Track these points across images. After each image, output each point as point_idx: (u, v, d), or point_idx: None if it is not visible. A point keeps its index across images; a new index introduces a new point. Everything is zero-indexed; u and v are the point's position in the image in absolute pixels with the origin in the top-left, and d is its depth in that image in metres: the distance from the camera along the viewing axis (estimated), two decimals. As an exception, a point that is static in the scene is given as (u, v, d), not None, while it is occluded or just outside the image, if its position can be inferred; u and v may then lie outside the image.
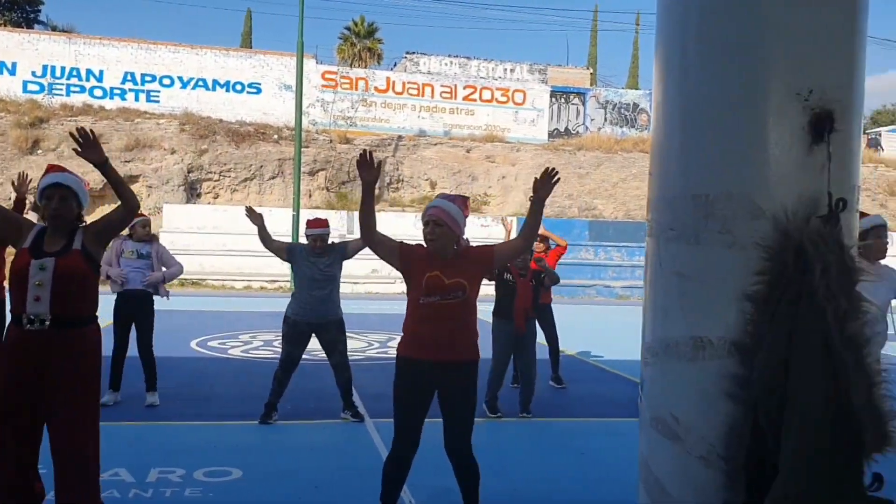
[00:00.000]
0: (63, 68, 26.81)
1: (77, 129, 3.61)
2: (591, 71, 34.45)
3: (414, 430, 4.00)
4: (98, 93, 26.83)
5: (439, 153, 27.03)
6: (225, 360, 9.67)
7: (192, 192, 23.86)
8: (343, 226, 23.05)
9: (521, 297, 6.93)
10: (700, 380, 1.79)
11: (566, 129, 32.93)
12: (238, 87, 28.44)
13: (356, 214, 20.74)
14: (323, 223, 6.56)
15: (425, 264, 3.93)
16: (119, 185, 3.80)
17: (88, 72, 26.99)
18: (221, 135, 24.82)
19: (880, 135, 40.18)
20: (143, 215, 6.91)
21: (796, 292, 1.52)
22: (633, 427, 6.79)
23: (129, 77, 27.30)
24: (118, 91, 27.06)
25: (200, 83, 28.04)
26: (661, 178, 1.85)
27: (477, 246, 4.31)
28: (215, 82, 28.18)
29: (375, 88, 29.83)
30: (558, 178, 3.87)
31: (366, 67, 33.07)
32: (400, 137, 27.69)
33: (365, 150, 3.90)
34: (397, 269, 4.03)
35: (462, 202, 4.04)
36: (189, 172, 23.89)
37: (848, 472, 1.55)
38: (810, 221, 1.61)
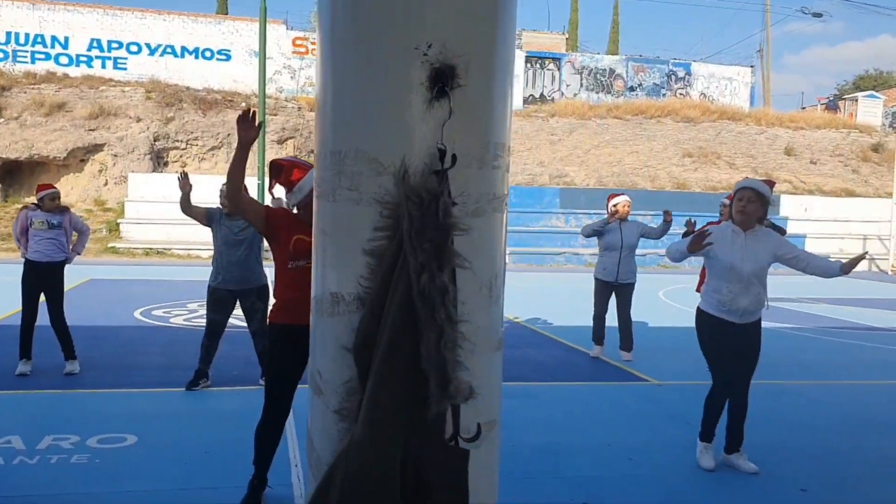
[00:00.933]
0: (27, 35, 26.41)
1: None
2: (567, 36, 34.14)
3: (286, 398, 4.01)
4: (64, 60, 26.48)
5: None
6: (164, 328, 9.65)
7: (158, 160, 23.65)
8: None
9: None
10: (337, 335, 1.80)
11: (541, 94, 32.77)
12: (207, 54, 28.12)
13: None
14: None
15: (291, 228, 3.90)
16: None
17: (53, 38, 26.61)
18: (188, 102, 24.56)
19: (839, 98, 40.19)
20: (52, 187, 6.84)
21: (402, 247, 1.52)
22: (547, 390, 6.91)
23: (95, 44, 26.93)
24: (84, 58, 26.71)
25: (168, 50, 27.70)
26: (316, 137, 1.84)
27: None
28: (184, 49, 27.85)
29: (347, 55, 29.55)
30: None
31: None
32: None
33: (248, 108, 3.75)
34: (262, 233, 4.00)
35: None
36: (155, 141, 23.66)
37: (417, 423, 1.56)
38: (425, 177, 1.59)
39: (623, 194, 8.68)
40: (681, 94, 33.72)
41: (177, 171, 24.47)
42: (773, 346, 9.62)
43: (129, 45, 27.23)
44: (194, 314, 10.76)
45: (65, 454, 4.71)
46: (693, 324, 5.00)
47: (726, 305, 4.72)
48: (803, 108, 47.16)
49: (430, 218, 1.52)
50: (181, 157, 24.18)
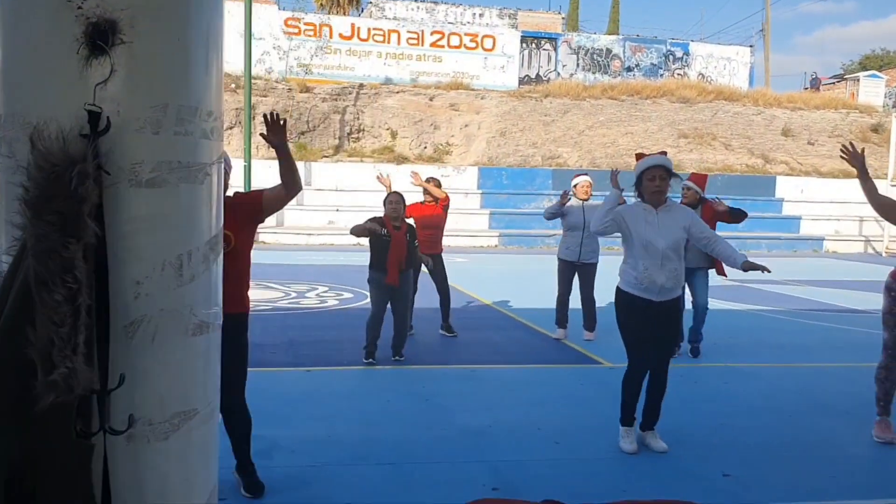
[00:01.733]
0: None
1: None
2: (564, 16, 33.75)
3: None
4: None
5: (401, 101, 26.63)
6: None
7: (147, 142, 23.55)
8: (301, 176, 22.80)
9: (393, 251, 6.81)
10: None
11: (537, 75, 32.43)
12: (198, 35, 27.92)
13: (315, 165, 20.62)
14: None
15: None
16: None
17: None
18: (177, 84, 24.39)
19: (819, 80, 39.82)
20: None
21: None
22: (496, 373, 6.81)
23: (85, 25, 26.78)
24: (74, 39, 26.55)
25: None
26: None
27: (245, 193, 4.20)
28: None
29: (340, 35, 29.27)
30: (284, 121, 3.67)
31: (345, 14, 32.43)
32: (361, 86, 27.25)
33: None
34: None
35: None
36: (144, 122, 23.52)
37: (27, 418, 1.43)
38: (70, 142, 1.46)
39: (586, 174, 8.54)
40: (679, 74, 33.35)
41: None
42: (740, 328, 9.52)
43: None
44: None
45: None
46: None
47: (643, 283, 4.62)
48: (806, 88, 46.69)
49: (59, 186, 1.39)
50: (170, 138, 24.07)
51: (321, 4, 36.91)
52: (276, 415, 5.26)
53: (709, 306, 7.55)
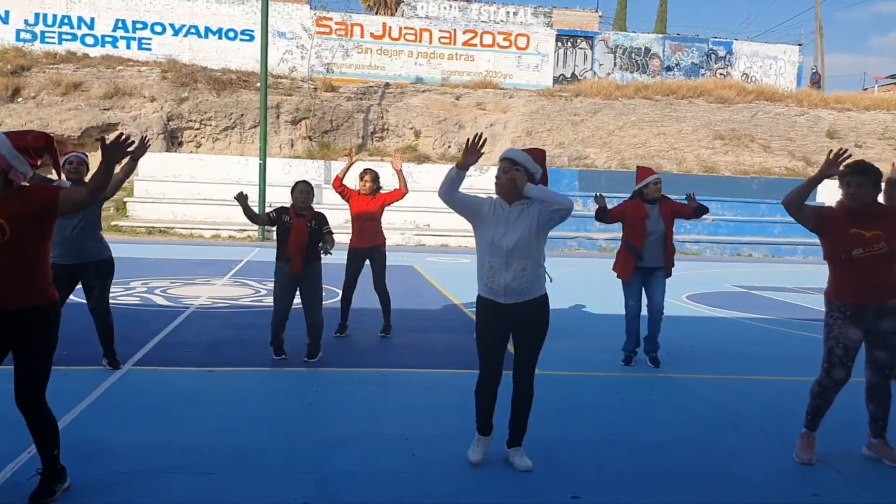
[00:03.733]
0: (55, 16, 26.90)
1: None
2: (600, 13, 33.01)
3: None
4: (90, 40, 26.89)
5: (426, 101, 26.38)
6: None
7: (172, 140, 23.82)
8: (321, 175, 22.76)
9: (294, 238, 6.55)
10: None
11: (573, 74, 31.82)
12: (231, 35, 28.16)
13: (335, 164, 20.59)
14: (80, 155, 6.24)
15: None
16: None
17: (80, 19, 27.03)
18: (203, 83, 24.65)
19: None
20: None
21: None
22: (409, 377, 6.44)
23: (119, 24, 27.27)
24: (109, 39, 27.08)
25: (192, 30, 27.86)
26: None
27: (45, 186, 3.96)
28: (207, 29, 27.97)
29: (371, 34, 29.21)
30: (130, 143, 3.56)
31: (392, 15, 32.33)
32: (387, 85, 27.10)
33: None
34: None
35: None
36: (169, 121, 23.82)
37: None
38: None
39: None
40: (721, 74, 32.30)
41: (191, 151, 24.56)
42: (707, 336, 8.95)
43: (153, 25, 27.48)
44: (130, 291, 10.64)
45: None
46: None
47: (488, 283, 4.25)
48: (865, 89, 44.74)
49: None
50: (195, 136, 24.32)
51: (369, 5, 37.01)
52: (133, 417, 5.04)
53: (664, 310, 7.05)
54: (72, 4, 26.95)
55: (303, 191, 6.68)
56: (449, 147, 25.71)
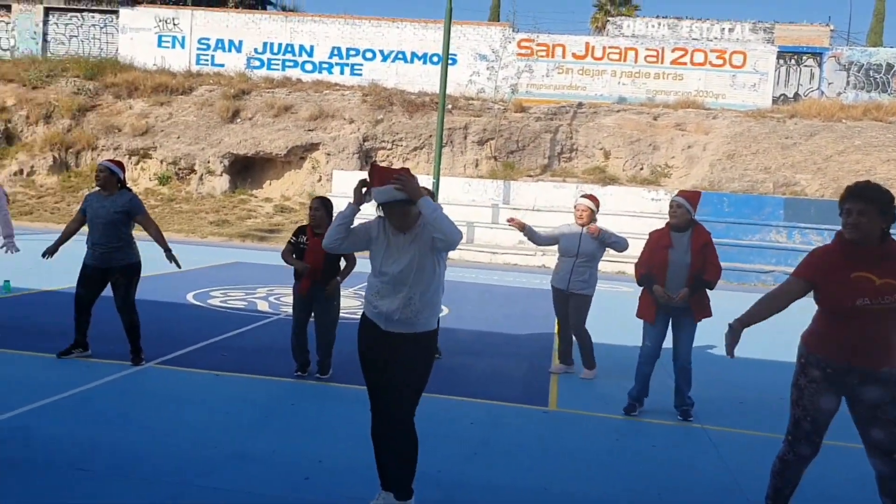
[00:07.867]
0: (280, 44, 29.47)
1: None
2: (832, 27, 29.81)
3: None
4: (308, 67, 29.12)
5: (620, 121, 25.36)
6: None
7: (366, 159, 25.00)
8: (499, 196, 22.67)
9: (307, 259, 6.39)
10: None
11: (796, 94, 29.05)
12: (435, 59, 29.08)
13: (514, 184, 20.54)
14: (117, 163, 6.63)
15: None
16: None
17: (301, 47, 29.38)
18: (398, 105, 25.66)
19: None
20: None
21: None
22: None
23: (335, 51, 29.26)
24: (326, 65, 29.14)
25: (400, 56, 29.18)
26: None
27: None
28: (413, 54, 29.14)
29: (573, 54, 28.79)
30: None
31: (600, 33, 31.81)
32: (580, 104, 26.46)
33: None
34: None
35: None
36: (364, 141, 25.05)
37: None
38: None
39: (588, 197, 7.27)
40: None
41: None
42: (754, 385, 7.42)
43: (364, 51, 29.17)
44: (249, 295, 11.20)
45: None
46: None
47: (371, 303, 3.83)
48: None
49: None
50: (388, 156, 25.34)
51: (596, 27, 36.61)
52: (87, 413, 5.20)
53: (692, 361, 6.00)
54: (295, 34, 29.37)
55: (317, 208, 6.42)
56: (641, 169, 24.51)
